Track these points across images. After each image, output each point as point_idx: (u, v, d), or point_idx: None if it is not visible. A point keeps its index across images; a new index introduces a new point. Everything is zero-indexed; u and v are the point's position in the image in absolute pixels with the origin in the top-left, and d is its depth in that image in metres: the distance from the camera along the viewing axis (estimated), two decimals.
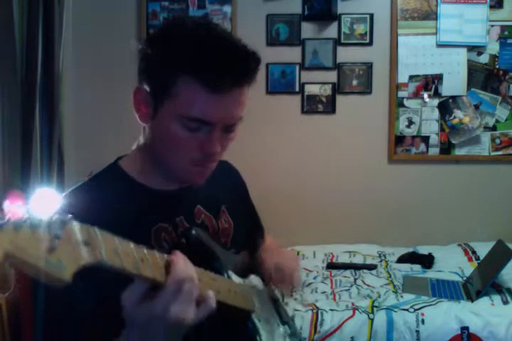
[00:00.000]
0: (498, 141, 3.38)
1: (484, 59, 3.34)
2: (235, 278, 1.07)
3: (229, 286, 0.98)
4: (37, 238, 0.60)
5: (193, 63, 0.93)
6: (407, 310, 2.27)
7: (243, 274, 1.12)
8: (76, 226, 0.66)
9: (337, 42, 3.37)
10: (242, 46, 0.97)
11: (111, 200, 1.01)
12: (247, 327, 1.05)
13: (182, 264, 0.81)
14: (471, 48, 3.33)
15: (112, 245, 0.71)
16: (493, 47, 3.33)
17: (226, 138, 1.00)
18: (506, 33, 3.32)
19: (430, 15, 3.33)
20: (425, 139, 3.39)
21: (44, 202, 2.55)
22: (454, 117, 3.37)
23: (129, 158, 1.09)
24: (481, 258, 2.83)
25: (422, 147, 3.40)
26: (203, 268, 0.90)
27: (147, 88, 0.98)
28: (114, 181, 1.05)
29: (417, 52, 3.36)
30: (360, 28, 3.36)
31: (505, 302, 2.33)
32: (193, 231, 1.02)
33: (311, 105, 3.41)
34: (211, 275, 0.92)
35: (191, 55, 0.93)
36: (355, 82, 3.39)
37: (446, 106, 3.37)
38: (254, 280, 1.16)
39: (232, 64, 0.94)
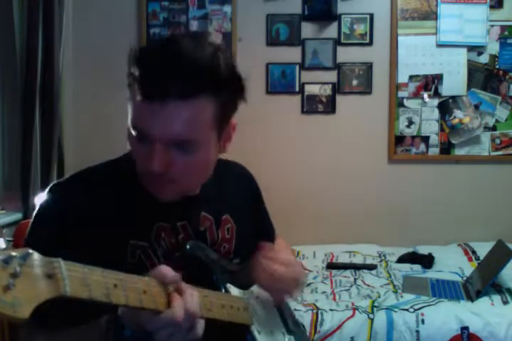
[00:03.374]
0: (498, 141, 3.38)
1: (484, 59, 3.34)
2: (234, 291, 1.05)
3: (223, 301, 0.97)
4: None
5: (137, 72, 0.92)
6: (407, 310, 2.27)
7: (245, 285, 1.10)
8: (37, 260, 0.64)
9: (337, 42, 3.37)
10: (198, 62, 0.90)
11: (118, 191, 1.02)
12: (245, 340, 1.04)
13: (185, 298, 0.82)
14: (471, 48, 3.33)
15: (78, 275, 0.68)
16: (493, 47, 3.32)
17: (181, 159, 0.94)
18: (506, 33, 3.32)
19: (430, 15, 3.33)
20: (425, 139, 3.39)
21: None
22: (454, 117, 3.37)
23: None
24: (481, 258, 2.83)
25: (422, 147, 3.40)
26: (196, 283, 0.89)
27: None
28: (126, 172, 1.03)
29: (417, 52, 3.35)
30: (360, 28, 3.36)
31: (505, 303, 2.33)
32: (188, 246, 1.01)
33: (311, 105, 3.41)
34: (203, 293, 0.90)
35: (138, 66, 0.92)
36: (355, 82, 3.39)
37: (446, 106, 3.37)
38: (257, 289, 1.13)
39: (166, 73, 0.88)
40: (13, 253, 0.61)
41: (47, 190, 1.03)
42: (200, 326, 0.85)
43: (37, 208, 1.02)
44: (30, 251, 0.64)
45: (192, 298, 0.83)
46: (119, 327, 0.83)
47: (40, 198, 1.07)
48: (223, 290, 1.03)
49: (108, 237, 0.96)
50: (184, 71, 0.89)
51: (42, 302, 0.62)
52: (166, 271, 0.83)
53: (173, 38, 0.97)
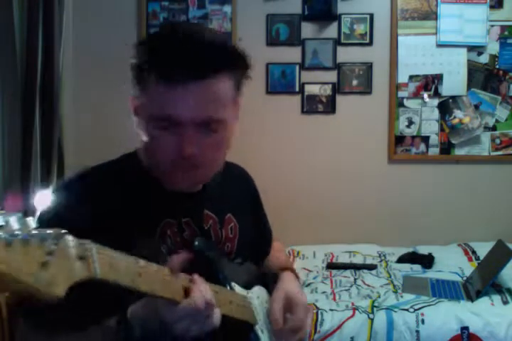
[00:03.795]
0: (498, 141, 3.38)
1: (484, 59, 3.34)
2: (238, 290, 1.06)
3: (231, 298, 0.98)
4: (29, 253, 0.58)
5: (152, 60, 0.92)
6: (407, 310, 2.27)
7: (247, 285, 1.11)
8: (70, 240, 0.64)
9: (337, 42, 3.37)
10: (212, 41, 0.92)
11: (124, 188, 1.02)
12: (249, 339, 1.04)
13: (201, 289, 0.83)
14: (471, 48, 3.33)
15: (107, 259, 0.69)
16: (493, 47, 3.33)
17: (208, 139, 0.95)
18: (506, 33, 3.32)
19: (430, 15, 3.33)
20: (425, 139, 3.39)
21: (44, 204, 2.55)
22: (454, 117, 3.37)
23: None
24: (481, 258, 2.83)
25: (422, 147, 3.40)
26: (205, 280, 0.89)
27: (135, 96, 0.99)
28: (130, 169, 1.04)
29: (417, 52, 3.35)
30: (360, 28, 3.36)
31: (505, 303, 2.33)
32: (196, 243, 1.01)
33: (311, 105, 3.41)
34: (213, 288, 0.91)
35: (153, 54, 0.92)
36: (355, 82, 3.39)
37: (446, 106, 3.37)
38: (259, 291, 1.14)
39: (185, 55, 0.89)
40: (48, 232, 0.61)
41: (53, 191, 1.04)
42: (217, 316, 0.85)
43: (44, 210, 1.02)
44: (64, 231, 0.64)
45: (206, 288, 0.85)
46: (128, 327, 0.83)
47: (40, 198, 1.07)
48: (228, 288, 1.03)
49: (115, 233, 0.95)
50: (201, 51, 0.90)
51: (75, 282, 0.63)
52: (174, 258, 0.85)
53: (175, 25, 0.99)
